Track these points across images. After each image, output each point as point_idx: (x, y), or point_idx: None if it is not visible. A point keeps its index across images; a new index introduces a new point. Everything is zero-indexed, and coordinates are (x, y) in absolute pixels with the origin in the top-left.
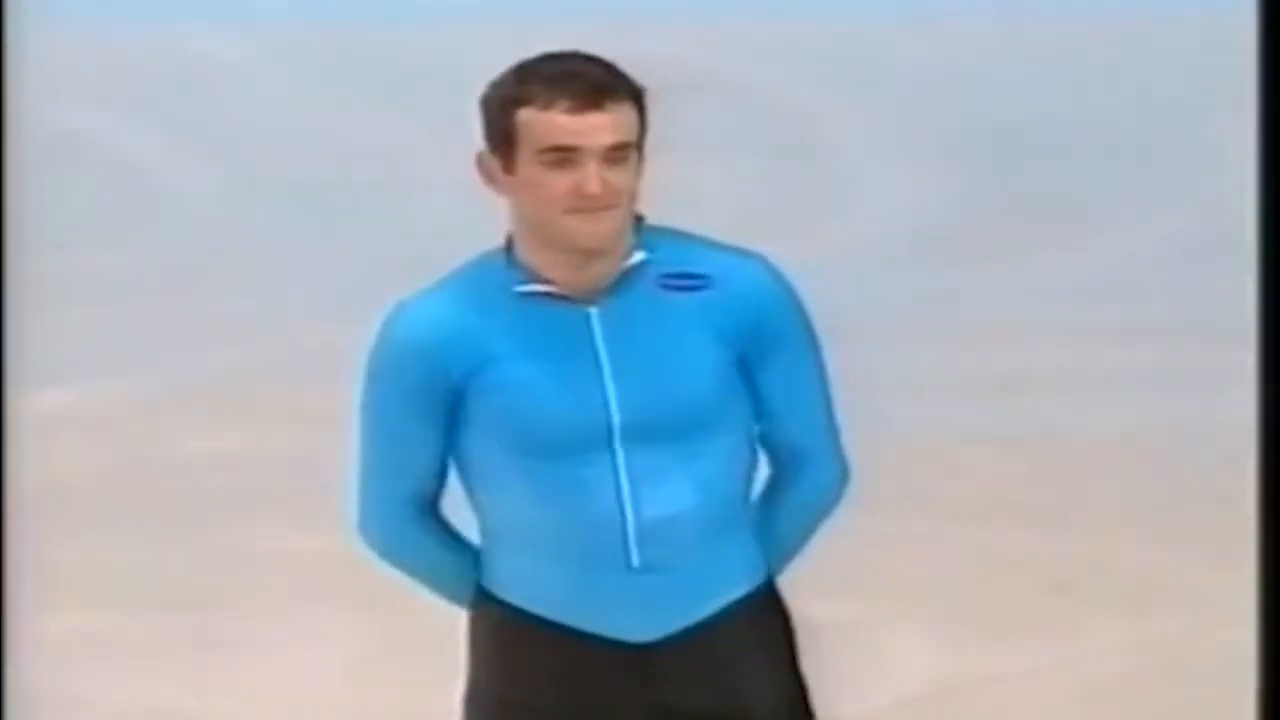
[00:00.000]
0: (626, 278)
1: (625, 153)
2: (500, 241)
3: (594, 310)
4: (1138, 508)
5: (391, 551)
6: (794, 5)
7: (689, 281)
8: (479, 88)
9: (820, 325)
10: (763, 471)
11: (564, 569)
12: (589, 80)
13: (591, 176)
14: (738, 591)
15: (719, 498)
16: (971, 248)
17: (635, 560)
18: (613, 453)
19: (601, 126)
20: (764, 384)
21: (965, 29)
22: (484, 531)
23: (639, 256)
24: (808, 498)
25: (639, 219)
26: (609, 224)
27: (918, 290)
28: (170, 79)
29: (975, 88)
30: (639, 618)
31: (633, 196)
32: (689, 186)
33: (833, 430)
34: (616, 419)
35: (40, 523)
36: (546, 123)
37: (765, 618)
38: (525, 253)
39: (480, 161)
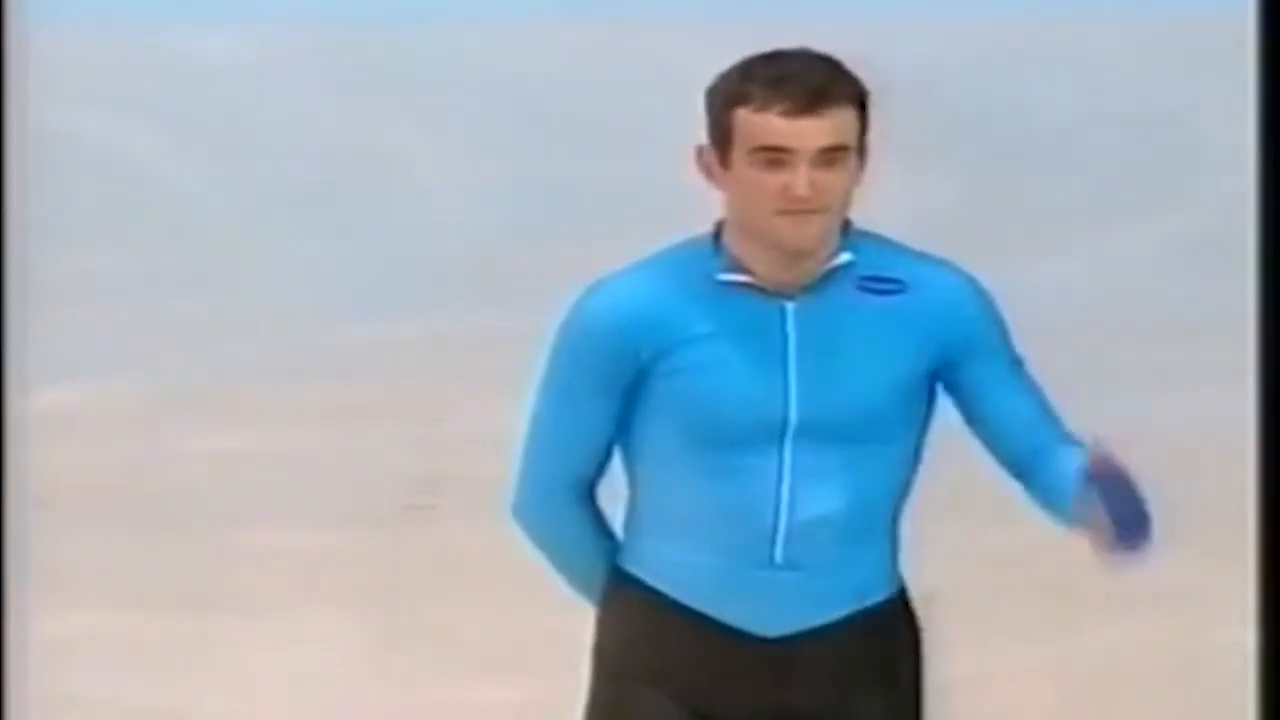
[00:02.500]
0: (827, 277)
1: (839, 155)
2: (499, 243)
3: (790, 305)
4: None
5: (543, 533)
6: (794, 5)
7: (885, 285)
8: (478, 87)
9: None
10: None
11: (707, 557)
12: (808, 84)
13: (800, 179)
14: (869, 599)
15: (870, 504)
16: (971, 248)
17: (778, 556)
18: (781, 448)
19: (815, 130)
20: (968, 389)
21: (965, 29)
22: (635, 512)
23: (843, 258)
24: (1062, 463)
25: (846, 223)
26: (816, 227)
27: None
28: (170, 79)
29: (975, 88)
30: (771, 612)
31: (846, 199)
32: (688, 187)
33: (1057, 419)
34: (793, 415)
35: (40, 523)
36: (761, 124)
37: (891, 629)
38: (732, 243)
39: (699, 154)
